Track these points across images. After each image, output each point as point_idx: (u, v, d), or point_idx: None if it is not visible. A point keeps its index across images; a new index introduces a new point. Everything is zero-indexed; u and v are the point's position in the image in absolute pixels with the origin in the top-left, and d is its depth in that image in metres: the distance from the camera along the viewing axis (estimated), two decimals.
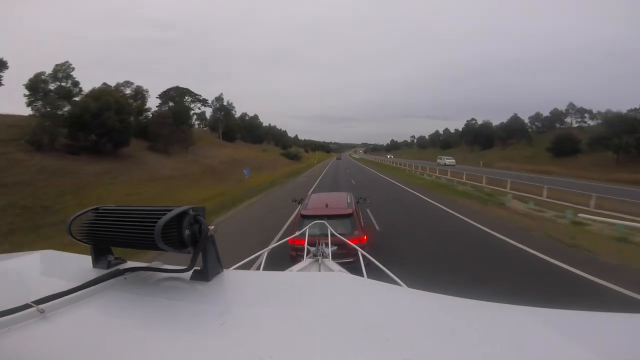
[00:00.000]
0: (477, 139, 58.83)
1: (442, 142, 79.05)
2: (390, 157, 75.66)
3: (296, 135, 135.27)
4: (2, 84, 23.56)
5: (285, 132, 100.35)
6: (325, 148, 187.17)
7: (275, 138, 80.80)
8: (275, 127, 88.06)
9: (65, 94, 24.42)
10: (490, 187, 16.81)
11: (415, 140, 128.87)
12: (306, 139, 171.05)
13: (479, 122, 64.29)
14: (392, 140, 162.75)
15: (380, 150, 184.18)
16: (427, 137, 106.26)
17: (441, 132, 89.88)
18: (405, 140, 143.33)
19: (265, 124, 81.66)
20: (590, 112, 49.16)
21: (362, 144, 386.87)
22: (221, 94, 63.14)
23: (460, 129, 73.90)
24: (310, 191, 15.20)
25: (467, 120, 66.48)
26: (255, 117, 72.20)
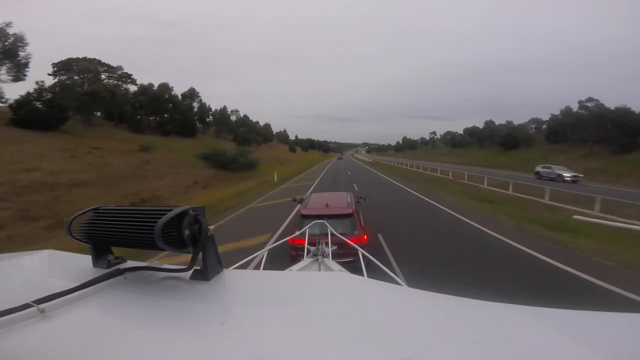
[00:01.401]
0: (588, 133, 30.06)
1: (500, 140, 50.09)
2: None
3: (284, 130, 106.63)
4: None
5: (263, 124, 71.00)
6: (323, 147, 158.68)
7: (231, 128, 51.18)
8: (236, 111, 56.14)
9: None
10: None
11: (436, 139, 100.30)
12: (303, 138, 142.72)
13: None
14: (405, 138, 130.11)
15: (387, 150, 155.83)
16: (459, 132, 77.64)
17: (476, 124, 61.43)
18: (422, 138, 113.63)
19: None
20: None
21: (363, 143, 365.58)
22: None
23: (528, 122, 45.57)
24: None
25: (578, 104, 37.30)
26: (193, 93, 42.69)
